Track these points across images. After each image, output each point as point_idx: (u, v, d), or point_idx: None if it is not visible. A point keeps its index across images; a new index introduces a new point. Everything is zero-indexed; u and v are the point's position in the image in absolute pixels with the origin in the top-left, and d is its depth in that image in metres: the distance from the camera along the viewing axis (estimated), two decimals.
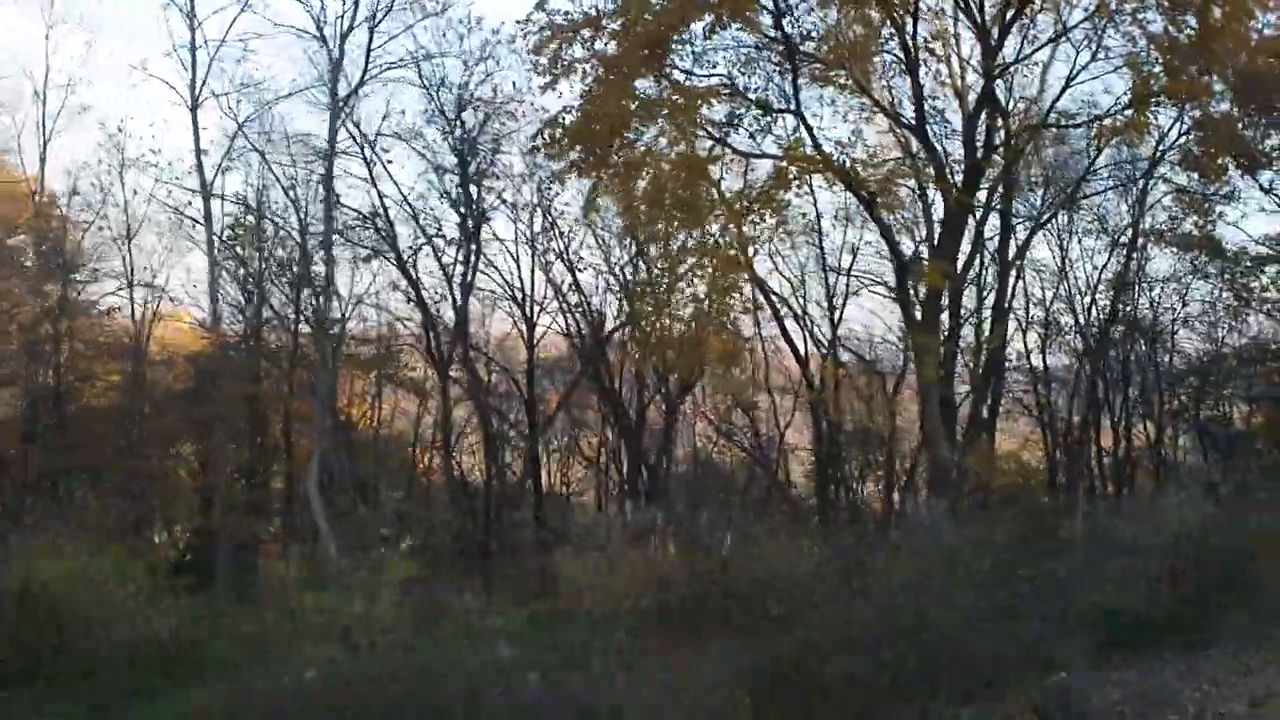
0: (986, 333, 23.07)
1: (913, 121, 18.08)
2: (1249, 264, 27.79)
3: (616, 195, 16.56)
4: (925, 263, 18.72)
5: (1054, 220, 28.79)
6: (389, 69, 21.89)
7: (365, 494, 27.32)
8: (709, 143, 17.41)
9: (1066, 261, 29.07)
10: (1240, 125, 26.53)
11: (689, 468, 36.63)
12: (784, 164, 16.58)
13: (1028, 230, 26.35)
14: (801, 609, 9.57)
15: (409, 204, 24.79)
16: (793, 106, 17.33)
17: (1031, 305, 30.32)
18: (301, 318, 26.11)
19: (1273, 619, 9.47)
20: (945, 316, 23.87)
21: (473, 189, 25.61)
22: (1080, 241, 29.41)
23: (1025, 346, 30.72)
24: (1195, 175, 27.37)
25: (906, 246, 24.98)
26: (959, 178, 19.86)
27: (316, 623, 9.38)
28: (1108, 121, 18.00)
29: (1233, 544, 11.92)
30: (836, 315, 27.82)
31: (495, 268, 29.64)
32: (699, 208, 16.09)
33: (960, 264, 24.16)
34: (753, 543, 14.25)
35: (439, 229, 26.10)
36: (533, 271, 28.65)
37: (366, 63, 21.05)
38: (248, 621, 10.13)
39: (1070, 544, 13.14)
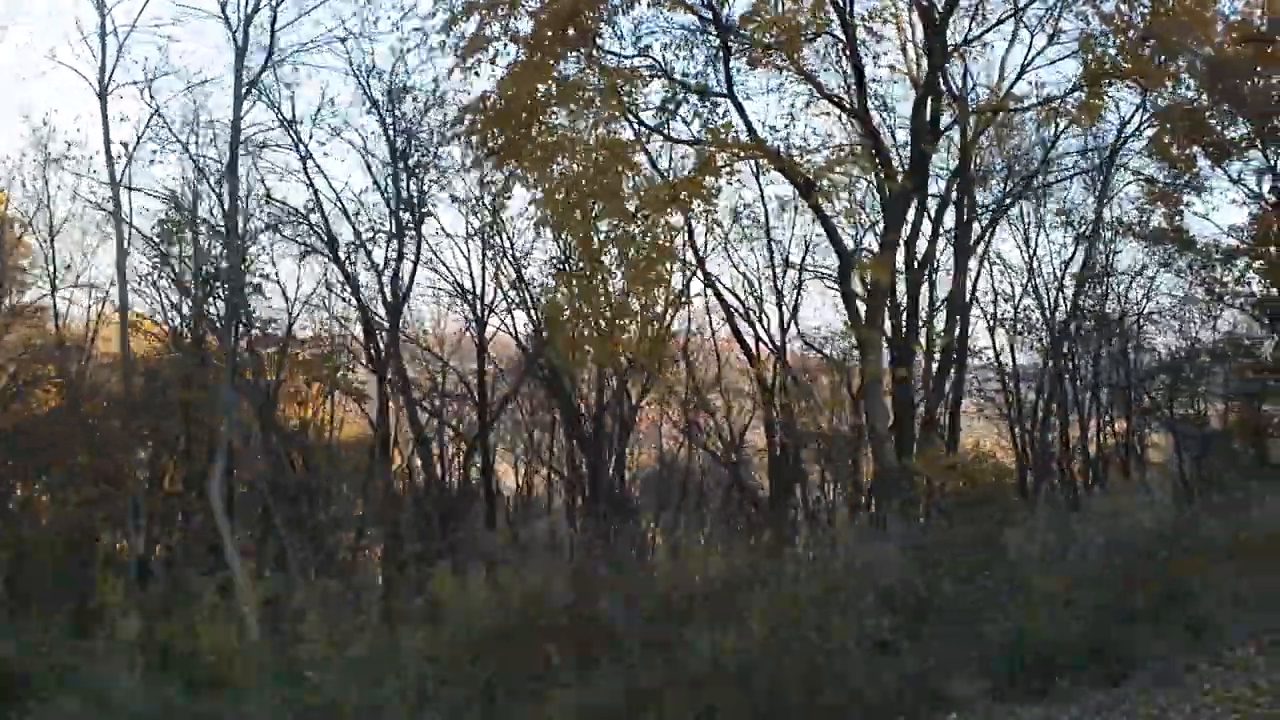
0: (939, 327, 22.12)
1: (855, 106, 17.13)
2: (1219, 257, 26.98)
3: (532, 183, 15.56)
4: (867, 254, 17.77)
5: (1019, 213, 28.12)
6: (298, 51, 20.70)
7: (314, 501, 26.38)
8: (637, 128, 16.49)
9: (1034, 256, 28.38)
10: (1208, 113, 25.80)
11: (655, 469, 35.88)
12: (711, 149, 15.62)
13: (990, 222, 25.60)
14: (679, 633, 8.62)
15: (340, 199, 23.69)
16: (725, 90, 16.37)
17: (1002, 301, 29.68)
18: (241, 318, 25.16)
19: (1207, 642, 8.53)
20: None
21: (413, 182, 24.63)
22: (1048, 235, 28.68)
23: (994, 343, 30.02)
24: (1164, 165, 26.70)
25: (869, 240, 24.32)
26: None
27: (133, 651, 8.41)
28: (1059, 104, 17.03)
29: (1180, 552, 11.06)
30: (786, 311, 27.00)
31: (444, 265, 28.77)
32: (620, 195, 15.11)
33: (920, 257, 23.41)
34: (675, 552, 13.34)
35: (381, 225, 25.14)
36: (483, 268, 27.76)
37: (271, 44, 19.81)
38: (69, 650, 9.11)
39: (1007, 552, 12.16)
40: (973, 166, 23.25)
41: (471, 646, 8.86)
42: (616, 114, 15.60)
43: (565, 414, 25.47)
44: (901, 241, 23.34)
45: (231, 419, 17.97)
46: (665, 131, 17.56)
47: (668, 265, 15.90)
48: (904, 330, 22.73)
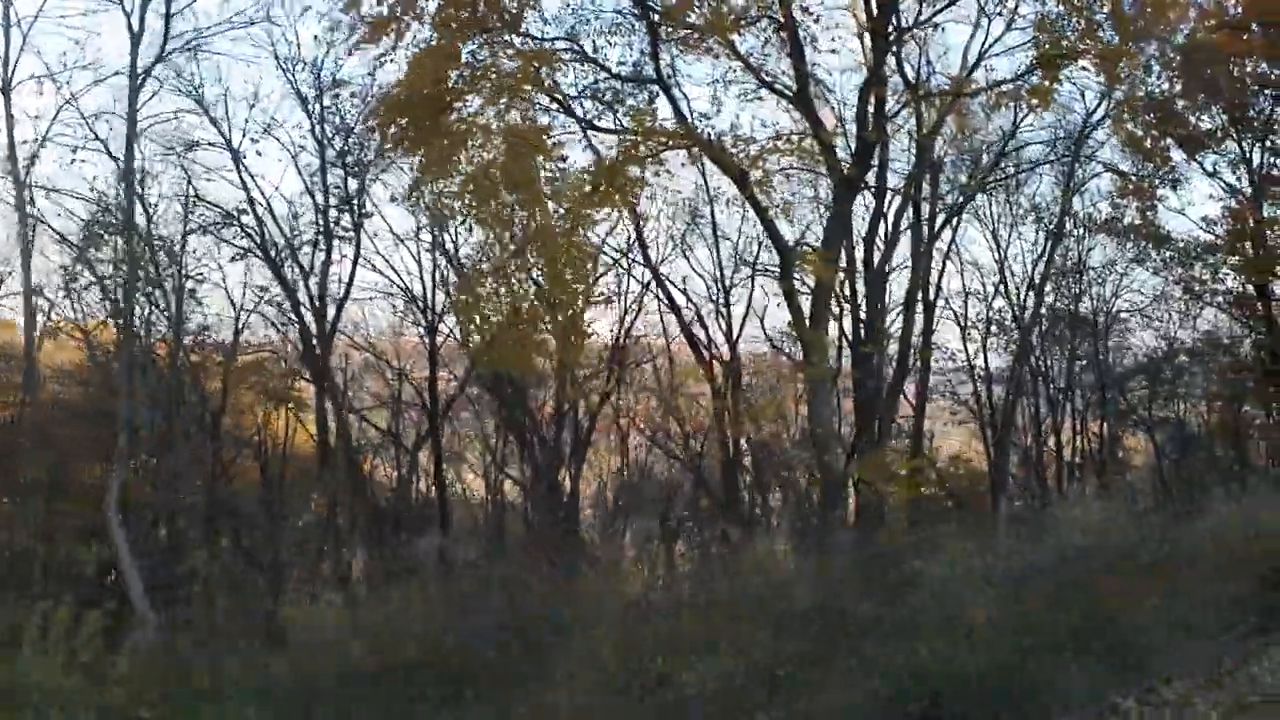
0: (893, 326, 21.17)
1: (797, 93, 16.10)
2: (1195, 254, 25.99)
3: (439, 172, 14.48)
4: (807, 249, 16.78)
5: (990, 211, 27.18)
6: (198, 38, 19.38)
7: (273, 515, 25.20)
8: (562, 117, 15.49)
9: (1005, 254, 27.44)
10: (1180, 103, 24.89)
11: (626, 478, 34.95)
12: (633, 137, 14.59)
13: (956, 218, 24.65)
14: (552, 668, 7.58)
15: (268, 201, 22.57)
16: (654, 75, 15.34)
17: (976, 301, 28.72)
18: (181, 324, 24.16)
19: (1134, 674, 7.51)
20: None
21: (351, 181, 23.58)
22: (1019, 233, 27.74)
23: (965, 345, 29.03)
24: (1136, 157, 25.78)
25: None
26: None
27: None
28: (1010, 88, 16.01)
29: (1127, 569, 10.07)
30: (739, 312, 26.01)
31: (394, 269, 27.76)
32: (536, 185, 14.07)
33: (879, 254, 22.41)
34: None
35: (319, 227, 24.05)
36: (434, 271, 26.71)
37: (166, 28, 18.42)
38: None
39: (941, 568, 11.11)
40: (935, 159, 22.34)
41: (309, 685, 7.82)
42: (534, 100, 14.60)
43: (509, 421, 24.35)
44: (860, 239, 22.55)
45: (131, 430, 16.82)
46: (596, 121, 16.55)
47: (589, 262, 14.83)
48: (863, 331, 21.83)
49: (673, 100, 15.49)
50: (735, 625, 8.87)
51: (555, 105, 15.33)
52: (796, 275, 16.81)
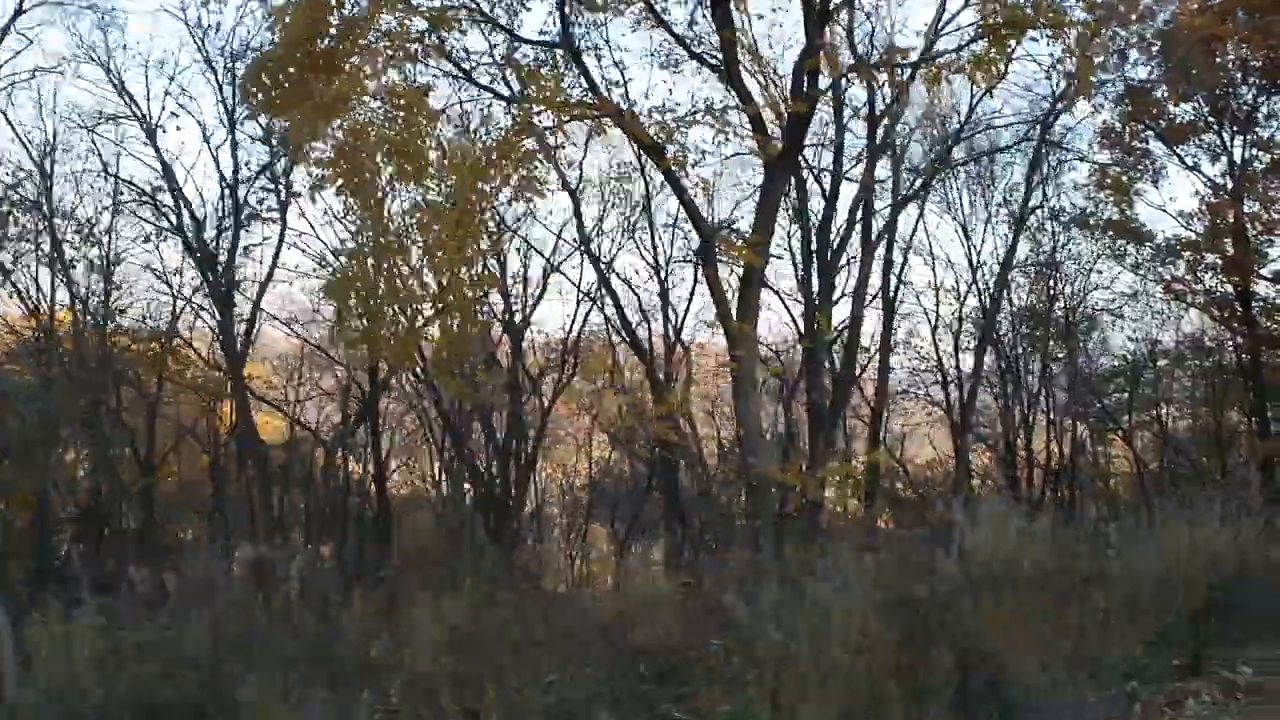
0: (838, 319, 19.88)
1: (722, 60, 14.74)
2: (1177, 249, 24.55)
3: (309, 137, 13.13)
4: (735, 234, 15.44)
5: (961, 204, 25.87)
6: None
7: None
8: (459, 83, 14.16)
9: (977, 250, 26.14)
10: (1156, 90, 23.59)
11: (592, 477, 33.85)
12: (527, 105, 13.24)
13: (919, 205, 23.34)
14: None
15: (172, 177, 21.26)
16: (561, 37, 14.00)
17: (952, 300, 27.38)
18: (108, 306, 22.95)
19: None
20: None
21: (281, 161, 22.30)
22: (993, 229, 26.39)
23: (936, 343, 27.69)
24: (1113, 149, 24.45)
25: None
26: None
27: None
28: (952, 59, 14.57)
29: (1026, 591, 8.69)
30: (680, 303, 24.69)
31: (333, 253, 26.44)
32: (421, 154, 12.74)
33: (833, 244, 21.12)
34: None
35: (257, 207, 22.76)
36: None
37: None
38: None
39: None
40: (893, 144, 21.01)
41: None
42: (427, 62, 13.26)
43: (442, 421, 23.04)
44: (814, 228, 21.23)
45: None
46: (514, 90, 15.17)
47: (477, 244, 13.46)
48: (815, 325, 20.53)
49: (582, 67, 14.17)
50: (569, 659, 7.52)
51: (458, 71, 14.01)
52: (723, 260, 15.44)
